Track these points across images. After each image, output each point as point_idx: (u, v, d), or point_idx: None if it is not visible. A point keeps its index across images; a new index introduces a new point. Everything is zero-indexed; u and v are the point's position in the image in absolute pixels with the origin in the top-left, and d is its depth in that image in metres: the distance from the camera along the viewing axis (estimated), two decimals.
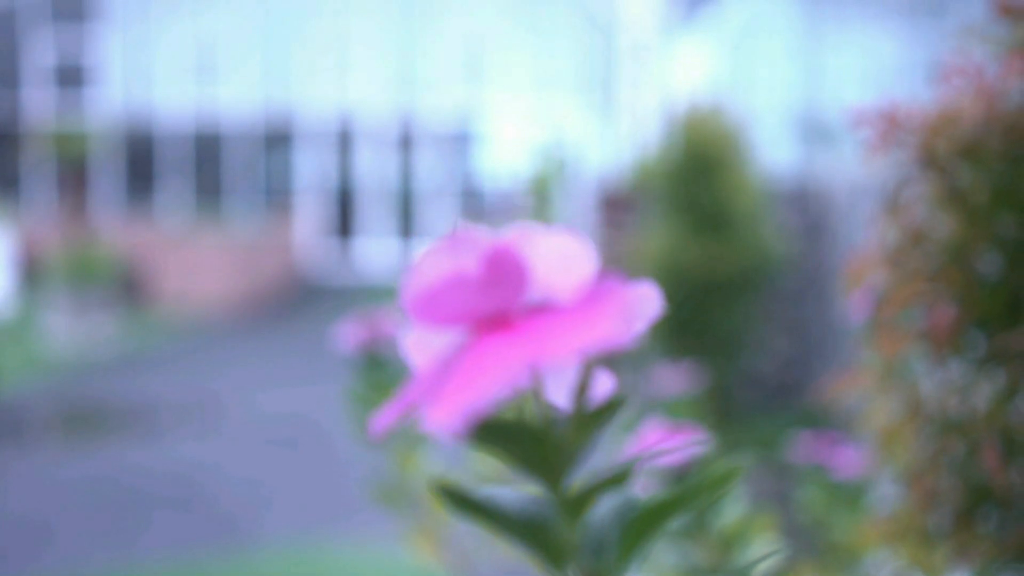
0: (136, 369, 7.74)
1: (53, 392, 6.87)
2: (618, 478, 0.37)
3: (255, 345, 9.11)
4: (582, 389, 0.38)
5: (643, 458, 0.38)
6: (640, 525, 0.38)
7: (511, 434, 0.36)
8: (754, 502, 1.73)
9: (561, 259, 0.37)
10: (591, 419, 0.37)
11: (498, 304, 0.36)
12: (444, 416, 0.32)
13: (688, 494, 0.38)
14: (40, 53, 14.80)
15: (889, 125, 1.00)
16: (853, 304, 1.14)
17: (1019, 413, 1.02)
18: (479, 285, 0.35)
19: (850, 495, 1.47)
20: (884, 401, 1.08)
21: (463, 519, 0.38)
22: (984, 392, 1.00)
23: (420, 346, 0.38)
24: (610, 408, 0.37)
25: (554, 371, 0.38)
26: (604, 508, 0.39)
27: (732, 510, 1.14)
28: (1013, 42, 1.02)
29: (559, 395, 0.38)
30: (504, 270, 0.35)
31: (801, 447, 1.61)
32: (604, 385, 0.39)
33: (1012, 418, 1.01)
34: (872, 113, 1.00)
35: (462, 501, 0.37)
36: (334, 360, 7.67)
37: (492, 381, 0.32)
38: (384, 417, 0.36)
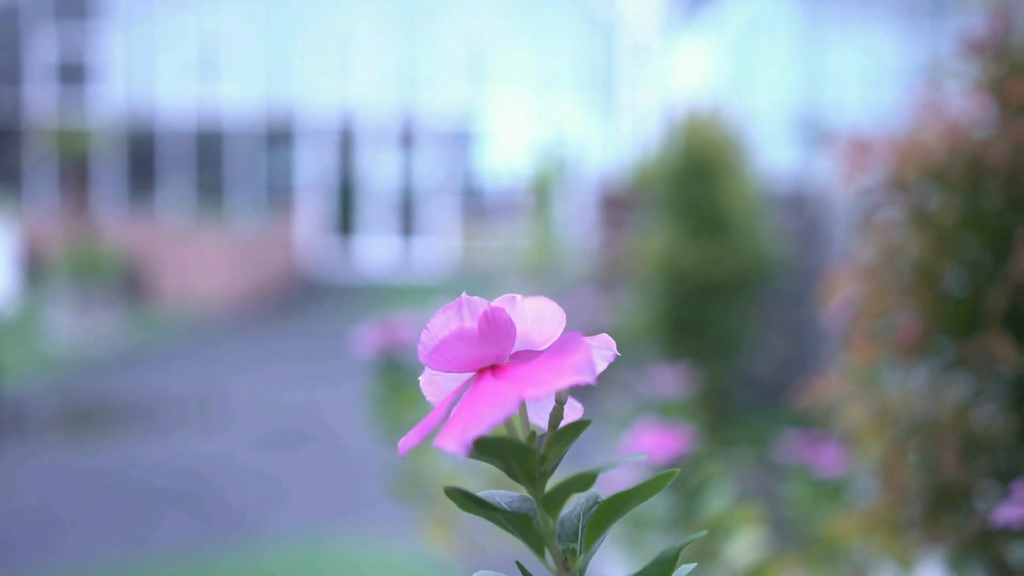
0: (139, 365, 7.82)
1: (57, 388, 6.95)
2: (583, 482, 0.48)
3: (257, 342, 9.19)
4: (556, 415, 0.50)
5: (603, 470, 0.49)
6: (601, 517, 0.50)
7: (503, 449, 0.48)
8: (744, 497, 1.81)
9: (538, 318, 0.50)
10: (563, 437, 0.49)
11: (492, 353, 0.48)
12: (453, 440, 0.45)
13: (634, 493, 0.49)
14: (43, 50, 14.87)
15: (861, 153, 1.09)
16: (830, 313, 1.23)
17: (981, 417, 1.11)
18: (477, 339, 0.47)
19: (832, 491, 1.56)
20: (857, 404, 1.17)
21: (471, 513, 0.50)
22: (948, 396, 1.09)
23: (431, 384, 0.52)
24: (577, 428, 0.49)
25: (534, 402, 0.51)
26: (574, 504, 0.51)
27: (717, 503, 1.24)
28: (978, 78, 1.11)
29: (539, 419, 0.51)
30: (496, 328, 0.47)
31: (787, 446, 1.70)
32: (574, 411, 0.51)
33: (974, 421, 1.10)
34: (845, 141, 1.09)
35: (469, 499, 0.48)
36: (336, 357, 7.75)
37: (488, 413, 0.45)
38: (409, 440, 0.48)
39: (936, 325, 1.09)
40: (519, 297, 0.50)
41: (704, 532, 0.48)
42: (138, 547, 4.04)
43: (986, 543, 1.12)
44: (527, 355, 0.49)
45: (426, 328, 0.48)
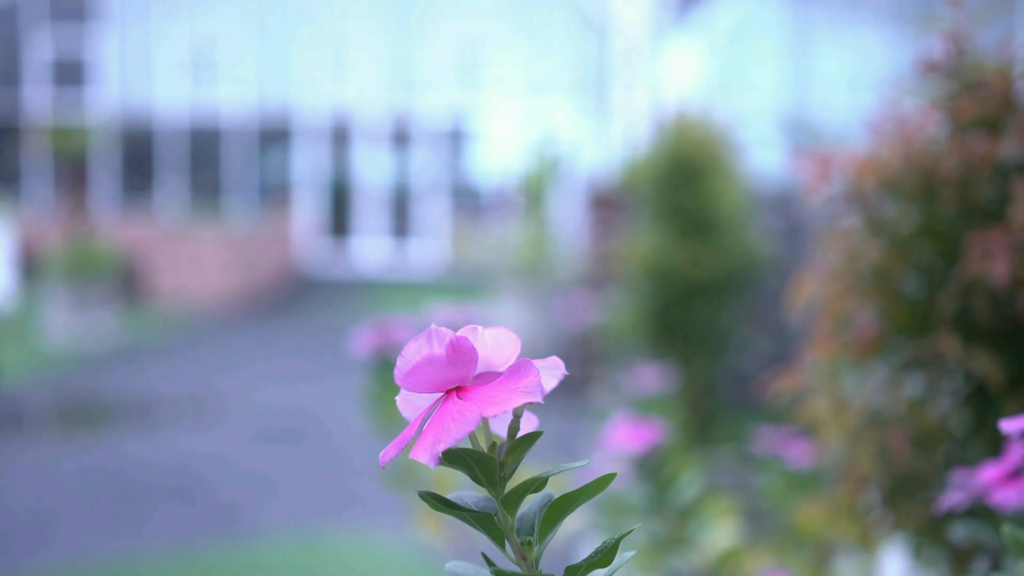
0: (135, 363, 7.89)
1: (54, 386, 7.01)
2: (537, 485, 0.58)
3: (252, 339, 9.25)
4: (513, 428, 0.59)
5: (552, 474, 0.58)
6: (552, 513, 0.59)
7: (468, 458, 0.58)
8: (720, 490, 1.90)
9: (497, 345, 0.59)
10: (519, 446, 0.59)
11: (457, 376, 0.57)
12: (425, 453, 0.55)
13: (579, 493, 0.58)
14: (40, 51, 14.92)
15: (823, 165, 1.17)
16: (795, 313, 1.31)
17: (935, 411, 1.19)
18: (444, 364, 0.56)
19: (803, 481, 1.64)
20: (818, 398, 1.25)
21: (440, 512, 0.59)
22: (903, 392, 1.17)
23: (406, 402, 0.61)
24: (530, 440, 0.59)
25: (494, 417, 0.59)
26: (531, 503, 0.61)
27: (688, 492, 1.32)
28: (933, 96, 1.19)
29: (500, 430, 0.60)
30: (461, 354, 0.56)
31: (762, 439, 1.79)
32: (529, 423, 0.60)
33: (930, 415, 1.18)
34: (808, 156, 1.18)
35: (439, 501, 0.58)
36: (330, 355, 7.80)
37: (454, 429, 0.55)
38: (388, 452, 0.58)
39: (892, 326, 1.18)
40: (480, 327, 0.59)
41: (637, 526, 0.57)
42: (131, 542, 4.11)
43: (941, 528, 1.21)
44: (488, 376, 0.58)
45: (401, 355, 0.57)
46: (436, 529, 1.64)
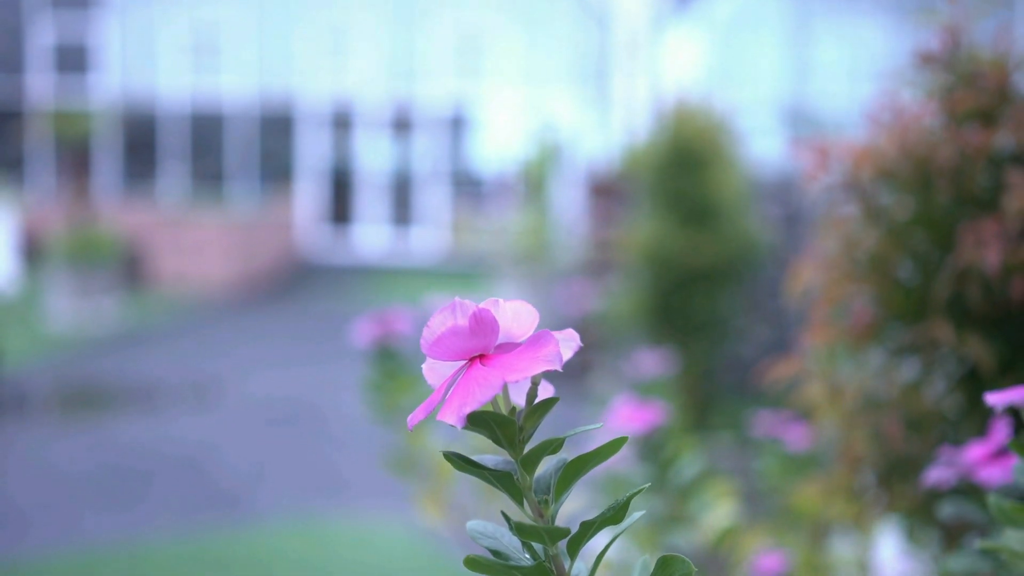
0: (136, 348, 7.92)
1: (55, 370, 7.04)
2: (553, 446, 0.62)
3: (253, 325, 9.28)
4: (531, 394, 0.63)
5: (568, 436, 0.62)
6: (567, 475, 0.63)
7: (490, 421, 0.61)
8: (720, 473, 1.93)
9: (517, 317, 0.63)
10: (537, 411, 0.63)
11: (480, 345, 0.61)
12: (452, 414, 0.59)
13: (593, 455, 0.62)
14: (42, 37, 14.93)
15: (822, 155, 1.20)
16: (793, 299, 1.35)
17: (930, 395, 1.23)
18: (468, 334, 0.60)
19: (800, 464, 1.68)
20: (815, 382, 1.28)
21: (464, 472, 0.63)
22: (897, 377, 1.21)
23: (432, 371, 0.65)
24: (547, 405, 0.63)
25: (514, 384, 0.63)
26: (547, 465, 0.64)
27: (688, 471, 1.35)
28: (931, 87, 1.22)
29: (518, 398, 0.64)
30: (483, 324, 0.60)
31: (760, 423, 1.83)
32: (546, 391, 0.64)
33: (924, 398, 1.21)
34: (807, 145, 1.21)
35: (464, 462, 0.62)
36: (328, 340, 7.82)
37: (479, 393, 0.59)
38: (416, 415, 0.61)
39: (888, 312, 1.21)
40: (501, 300, 0.63)
41: (646, 486, 0.60)
42: (129, 525, 4.14)
43: (934, 509, 1.24)
44: (508, 346, 0.62)
45: (427, 325, 0.61)
46: (437, 513, 1.67)
